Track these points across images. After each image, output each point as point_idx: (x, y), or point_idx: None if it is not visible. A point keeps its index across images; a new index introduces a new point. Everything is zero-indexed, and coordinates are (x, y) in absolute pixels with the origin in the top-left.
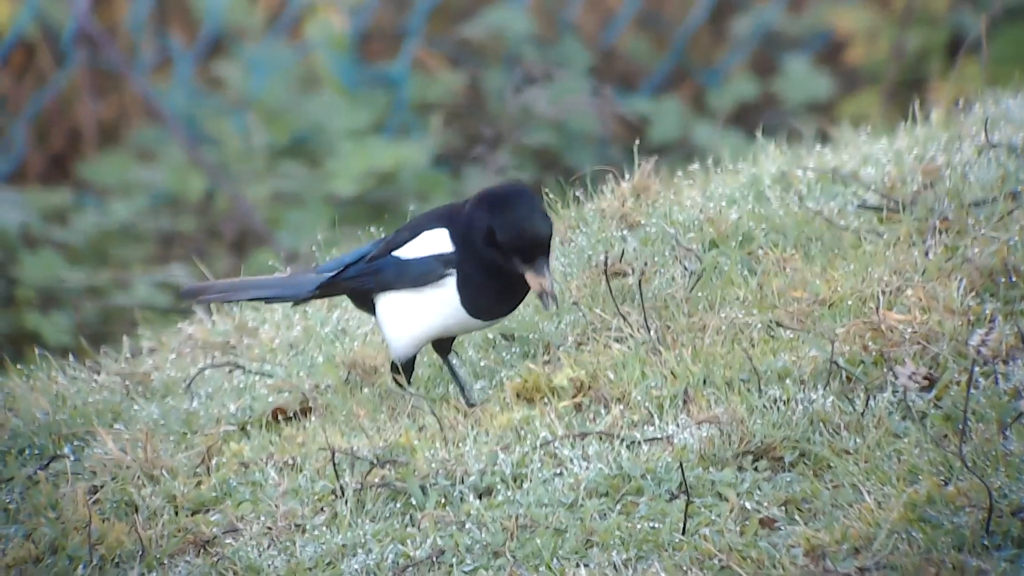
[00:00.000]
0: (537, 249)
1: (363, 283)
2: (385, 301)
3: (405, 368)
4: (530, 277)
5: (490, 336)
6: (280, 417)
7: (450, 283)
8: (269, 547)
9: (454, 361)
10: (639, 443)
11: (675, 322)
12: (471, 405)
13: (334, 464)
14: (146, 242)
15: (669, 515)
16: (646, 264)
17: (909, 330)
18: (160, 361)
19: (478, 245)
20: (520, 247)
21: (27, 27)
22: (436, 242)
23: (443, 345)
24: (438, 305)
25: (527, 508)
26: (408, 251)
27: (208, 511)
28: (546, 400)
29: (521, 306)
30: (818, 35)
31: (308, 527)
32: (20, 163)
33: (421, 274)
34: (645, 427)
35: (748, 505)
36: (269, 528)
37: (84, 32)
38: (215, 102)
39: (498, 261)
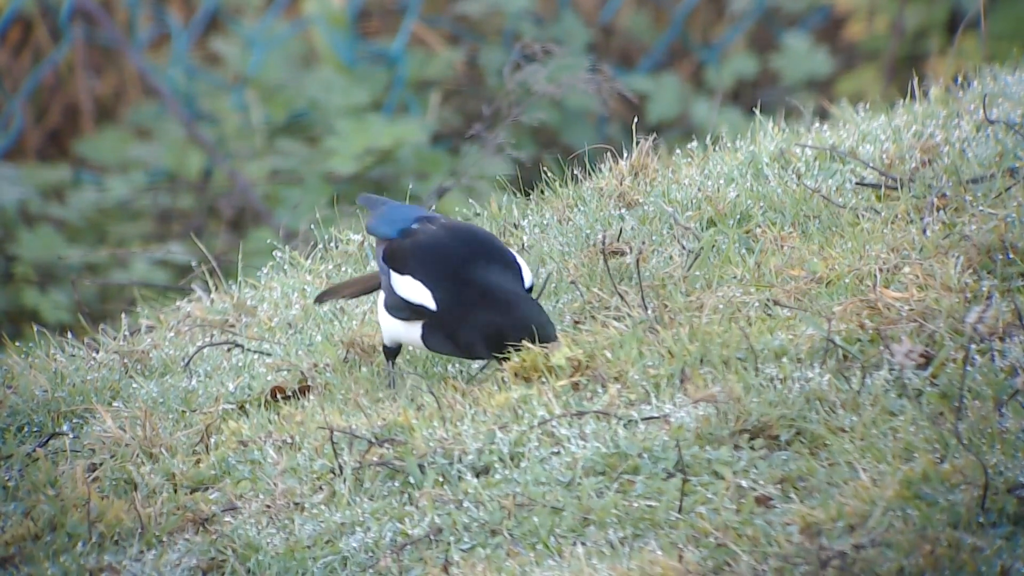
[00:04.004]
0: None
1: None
2: (380, 295)
3: (389, 353)
4: None
5: None
6: (279, 396)
7: (418, 324)
8: (268, 525)
9: None
10: (636, 422)
11: (672, 301)
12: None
13: (332, 443)
14: (144, 219)
15: (665, 493)
16: (644, 243)
17: (906, 308)
18: (158, 339)
19: (472, 341)
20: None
21: (24, 2)
22: (420, 295)
23: None
24: (410, 329)
25: (524, 487)
26: (398, 283)
27: (207, 489)
28: (544, 379)
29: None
30: (818, 11)
31: (307, 505)
32: (17, 139)
33: (398, 307)
34: (642, 406)
35: (744, 483)
36: (268, 506)
37: (81, 8)
38: (213, 79)
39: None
